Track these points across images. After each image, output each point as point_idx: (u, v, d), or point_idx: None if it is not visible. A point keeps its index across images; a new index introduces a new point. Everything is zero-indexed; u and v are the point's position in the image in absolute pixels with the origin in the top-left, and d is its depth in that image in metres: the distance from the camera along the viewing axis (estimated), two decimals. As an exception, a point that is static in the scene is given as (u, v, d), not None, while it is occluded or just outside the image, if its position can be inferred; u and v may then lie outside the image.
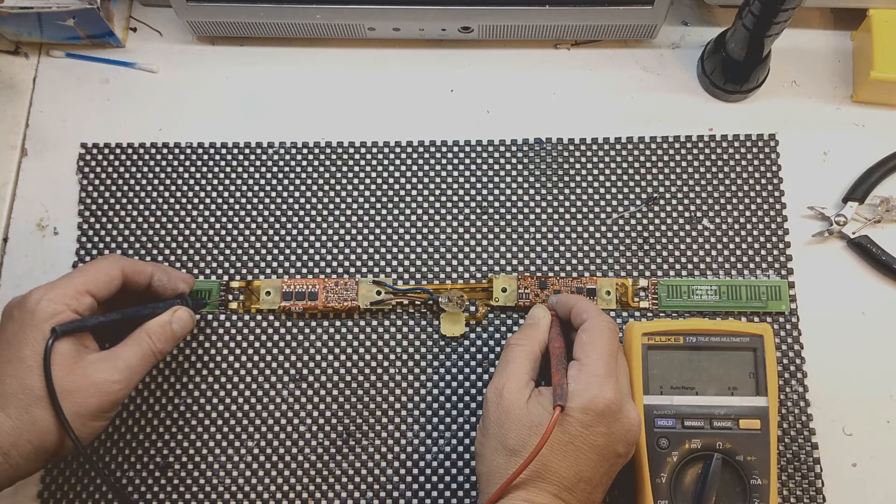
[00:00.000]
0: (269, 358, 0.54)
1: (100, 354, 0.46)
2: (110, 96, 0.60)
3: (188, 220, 0.57)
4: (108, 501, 0.52)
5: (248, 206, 0.57)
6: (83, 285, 0.46)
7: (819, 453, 0.52)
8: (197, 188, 0.58)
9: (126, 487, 0.52)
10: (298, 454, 0.52)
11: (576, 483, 0.42)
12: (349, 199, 0.57)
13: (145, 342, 0.47)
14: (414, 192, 0.58)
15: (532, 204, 0.57)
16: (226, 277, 0.56)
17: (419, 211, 0.57)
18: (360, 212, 0.57)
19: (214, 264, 0.56)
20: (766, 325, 0.50)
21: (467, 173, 0.58)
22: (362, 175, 0.58)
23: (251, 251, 0.56)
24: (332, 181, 0.58)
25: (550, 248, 0.56)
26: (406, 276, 0.56)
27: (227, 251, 0.56)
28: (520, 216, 0.57)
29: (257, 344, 0.54)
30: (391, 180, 0.58)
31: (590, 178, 0.58)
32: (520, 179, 0.58)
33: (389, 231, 0.57)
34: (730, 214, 0.57)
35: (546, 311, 0.50)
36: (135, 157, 0.58)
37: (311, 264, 0.56)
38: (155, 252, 0.56)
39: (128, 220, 0.57)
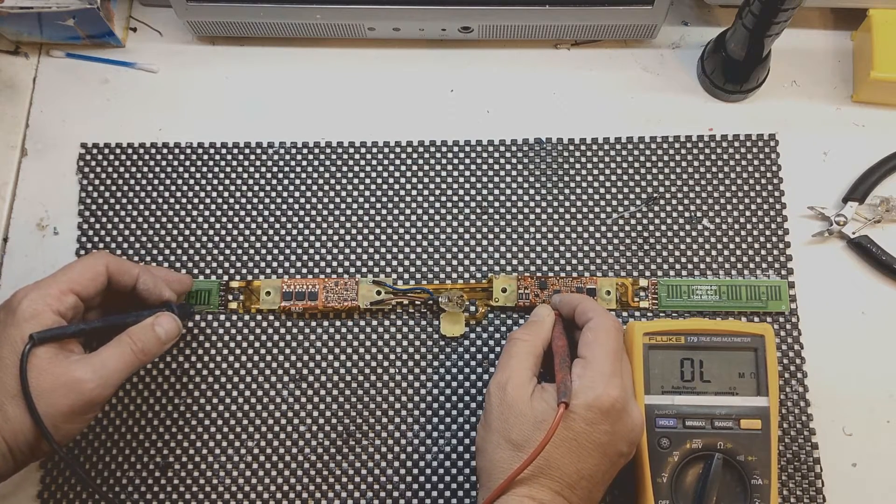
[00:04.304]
0: (269, 358, 0.54)
1: (78, 356, 0.45)
2: (110, 96, 0.60)
3: (188, 220, 0.57)
4: (108, 502, 0.52)
5: (248, 206, 0.57)
6: (66, 284, 0.46)
7: (819, 453, 0.52)
8: (197, 188, 0.58)
9: (126, 487, 0.52)
10: (298, 454, 0.52)
11: (577, 480, 0.42)
12: (349, 199, 0.57)
13: (125, 343, 0.46)
14: (414, 192, 0.58)
15: (532, 204, 0.57)
16: (226, 277, 0.56)
17: (419, 211, 0.57)
18: (360, 212, 0.57)
19: (214, 264, 0.56)
20: (766, 325, 0.50)
21: (467, 173, 0.58)
22: (362, 175, 0.58)
23: (251, 251, 0.56)
24: (332, 181, 0.58)
25: (550, 248, 0.56)
26: (406, 276, 0.56)
27: (227, 251, 0.56)
28: (520, 216, 0.57)
29: (257, 344, 0.54)
30: (391, 180, 0.58)
31: (590, 178, 0.58)
32: (520, 179, 0.58)
33: (389, 231, 0.57)
34: (730, 214, 0.57)
35: (550, 310, 0.50)
36: (135, 157, 0.58)
37: (311, 264, 0.56)
38: (155, 252, 0.56)
39: (128, 220, 0.57)
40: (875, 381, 0.53)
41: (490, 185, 0.58)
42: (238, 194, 0.58)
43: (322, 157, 0.58)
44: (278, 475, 0.52)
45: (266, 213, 0.57)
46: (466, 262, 0.56)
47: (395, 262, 0.56)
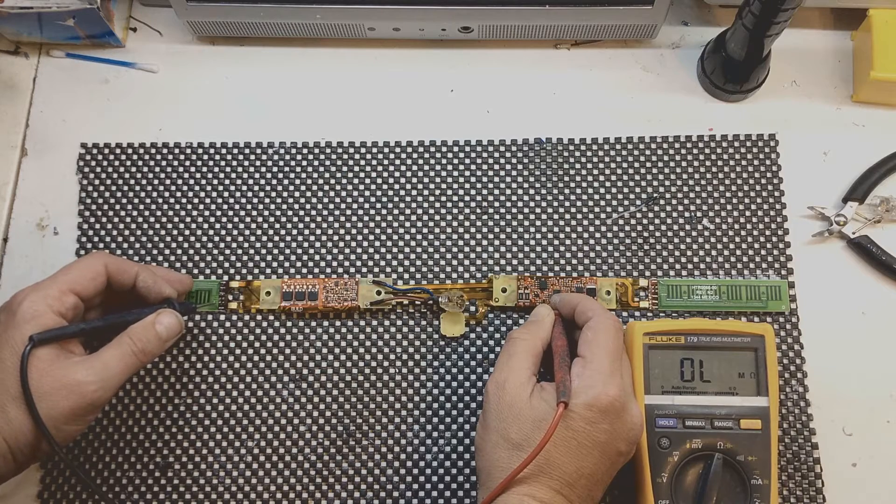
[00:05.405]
0: (269, 358, 0.54)
1: (79, 358, 0.45)
2: (110, 96, 0.60)
3: (188, 220, 0.57)
4: (108, 502, 0.52)
5: (248, 206, 0.57)
6: (66, 284, 0.46)
7: (819, 453, 0.52)
8: (197, 188, 0.58)
9: (126, 487, 0.52)
10: (298, 454, 0.52)
11: (577, 479, 0.43)
12: (349, 199, 0.57)
13: (126, 344, 0.46)
14: (414, 192, 0.58)
15: (532, 204, 0.57)
16: (226, 277, 0.56)
17: (419, 211, 0.57)
18: (360, 212, 0.57)
19: (214, 264, 0.56)
20: (767, 325, 0.50)
21: (467, 173, 0.58)
22: (362, 175, 0.58)
23: (251, 251, 0.56)
24: (332, 181, 0.58)
25: (550, 248, 0.56)
26: (406, 276, 0.56)
27: (227, 251, 0.56)
28: (520, 216, 0.57)
29: (257, 344, 0.54)
30: (391, 180, 0.58)
31: (590, 178, 0.58)
32: (520, 179, 0.58)
33: (389, 231, 0.57)
34: (730, 214, 0.57)
35: (549, 310, 0.51)
36: (135, 157, 0.58)
37: (311, 264, 0.56)
38: (155, 252, 0.56)
39: (128, 220, 0.57)
40: (875, 381, 0.53)
41: (490, 185, 0.58)
42: (238, 194, 0.58)
43: (322, 157, 0.58)
44: (278, 475, 0.52)
45: (266, 213, 0.57)
46: (466, 262, 0.56)
47: (395, 262, 0.56)
